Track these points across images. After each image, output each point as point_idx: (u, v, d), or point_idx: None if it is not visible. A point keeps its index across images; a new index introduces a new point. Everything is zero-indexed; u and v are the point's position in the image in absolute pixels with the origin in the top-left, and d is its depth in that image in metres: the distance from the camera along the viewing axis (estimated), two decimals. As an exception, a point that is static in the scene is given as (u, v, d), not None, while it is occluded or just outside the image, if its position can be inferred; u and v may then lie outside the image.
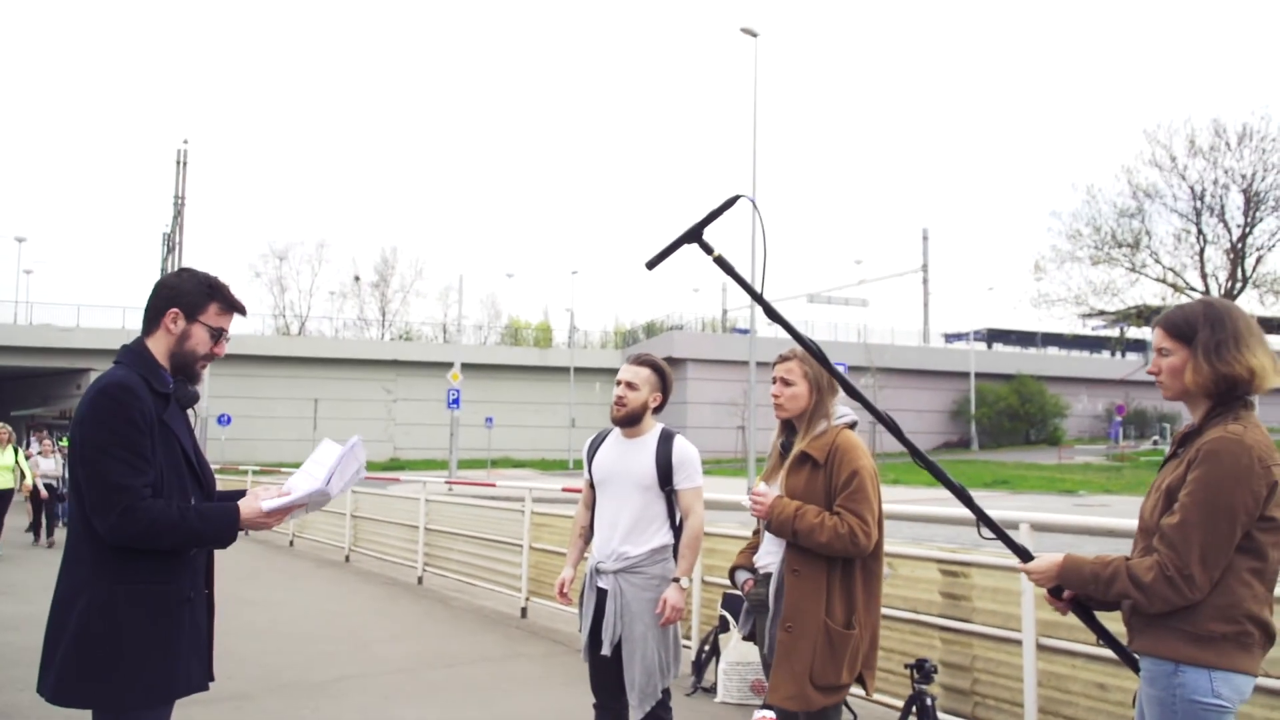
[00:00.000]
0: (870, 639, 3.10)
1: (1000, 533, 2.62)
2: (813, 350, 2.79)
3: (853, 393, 2.82)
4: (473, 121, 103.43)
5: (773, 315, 2.68)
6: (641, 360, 3.79)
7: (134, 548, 2.34)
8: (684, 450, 3.70)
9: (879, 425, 2.72)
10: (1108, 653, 3.87)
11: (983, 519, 2.60)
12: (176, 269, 2.66)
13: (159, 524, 2.32)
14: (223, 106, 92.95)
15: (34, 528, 14.14)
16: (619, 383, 3.75)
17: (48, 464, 14.06)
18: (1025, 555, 2.55)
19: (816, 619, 3.00)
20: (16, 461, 12.68)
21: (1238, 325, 2.34)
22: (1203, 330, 2.36)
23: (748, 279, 2.72)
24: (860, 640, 3.04)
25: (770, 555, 3.28)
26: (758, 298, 2.67)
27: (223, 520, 2.47)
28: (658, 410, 3.80)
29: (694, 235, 2.56)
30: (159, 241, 47.39)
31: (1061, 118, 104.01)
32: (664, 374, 3.78)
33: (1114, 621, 2.52)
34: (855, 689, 3.20)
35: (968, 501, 2.56)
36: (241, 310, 2.70)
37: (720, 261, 2.59)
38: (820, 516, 3.00)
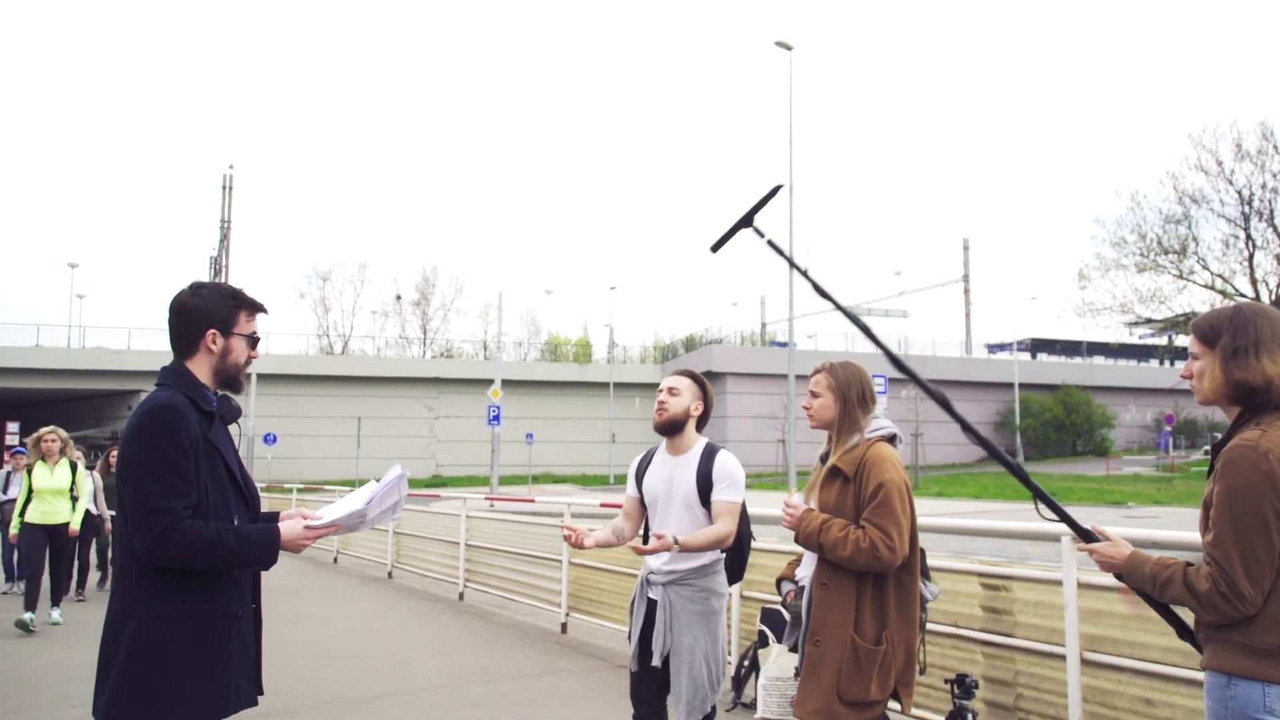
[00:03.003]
0: (905, 655, 3.04)
1: (1060, 512, 2.61)
2: (862, 328, 2.84)
3: (898, 363, 2.84)
4: (511, 141, 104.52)
5: (821, 293, 2.81)
6: (682, 371, 3.86)
7: (173, 568, 2.38)
8: (725, 464, 3.68)
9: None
10: (1155, 667, 3.83)
11: (1041, 498, 2.60)
12: (190, 287, 2.68)
13: (196, 545, 2.35)
14: (267, 132, 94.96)
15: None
16: (661, 390, 3.80)
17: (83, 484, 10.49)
18: (1089, 536, 2.51)
19: (843, 634, 2.97)
20: (74, 482, 9.16)
21: (1261, 331, 2.27)
22: (1225, 335, 2.31)
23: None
24: (892, 656, 2.99)
25: (809, 568, 3.27)
26: (807, 277, 2.81)
27: (262, 541, 2.49)
28: (701, 422, 3.81)
29: (747, 222, 2.82)
30: (206, 264, 48.50)
31: (1104, 124, 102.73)
32: (704, 385, 3.84)
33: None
34: (893, 704, 3.16)
35: (1024, 478, 2.57)
36: (264, 310, 2.75)
37: (772, 244, 2.81)
38: (845, 530, 2.98)
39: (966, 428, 2.61)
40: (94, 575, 11.51)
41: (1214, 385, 2.32)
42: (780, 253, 2.83)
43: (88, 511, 10.14)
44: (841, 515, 3.05)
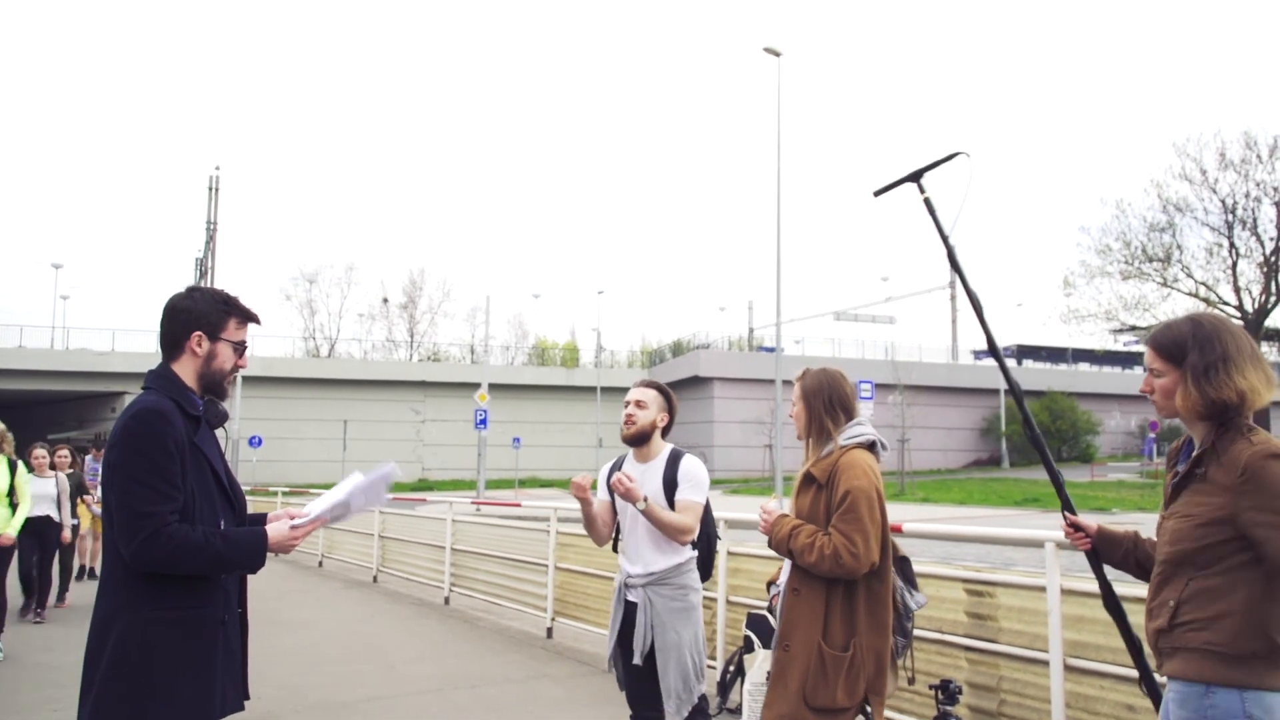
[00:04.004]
0: (875, 663, 3.04)
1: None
2: (972, 298, 2.95)
3: (994, 349, 3.00)
4: (499, 144, 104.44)
5: (954, 264, 2.97)
6: (647, 382, 4.06)
7: (160, 573, 2.38)
8: (689, 466, 3.88)
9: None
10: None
11: (1066, 505, 2.78)
12: (185, 290, 2.71)
13: (183, 549, 2.35)
14: (254, 133, 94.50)
15: (25, 587, 9.26)
16: (628, 403, 3.97)
17: (43, 485, 9.25)
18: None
19: (810, 639, 2.98)
20: (13, 485, 7.74)
21: (1227, 347, 2.32)
22: (1192, 352, 2.34)
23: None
24: (861, 663, 2.99)
25: (788, 573, 3.30)
26: (947, 243, 2.98)
27: (250, 545, 2.49)
28: (665, 431, 4.00)
29: (915, 177, 3.00)
30: (192, 266, 48.28)
31: (1089, 132, 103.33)
32: (669, 395, 4.05)
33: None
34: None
35: (1059, 487, 2.81)
36: (256, 320, 2.76)
37: (927, 203, 2.98)
38: (812, 536, 2.99)
39: (1027, 421, 2.96)
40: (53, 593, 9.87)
41: (1188, 404, 2.34)
42: (933, 215, 2.96)
43: (49, 518, 9.27)
44: (815, 521, 3.07)
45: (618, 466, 4.04)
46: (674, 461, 3.88)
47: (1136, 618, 2.76)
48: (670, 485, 3.82)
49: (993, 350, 2.97)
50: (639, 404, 3.93)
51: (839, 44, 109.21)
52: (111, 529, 2.42)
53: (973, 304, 2.94)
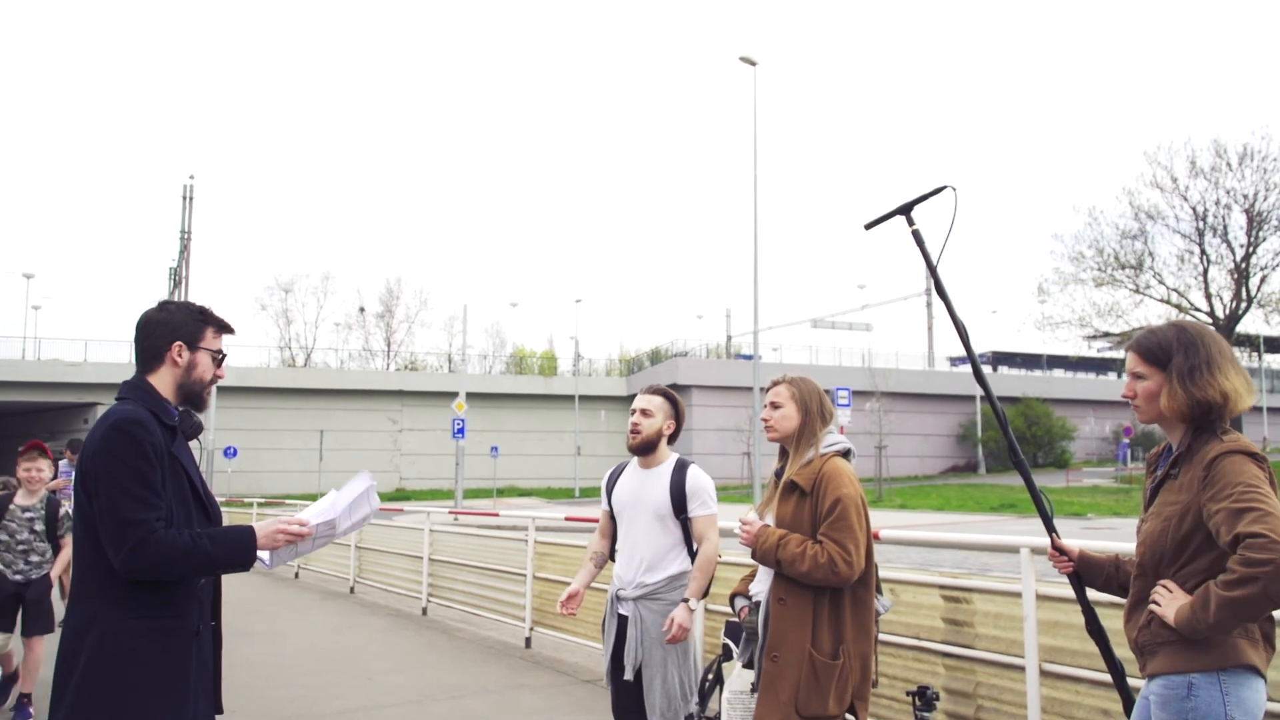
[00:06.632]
0: (861, 669, 3.05)
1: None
2: (959, 327, 2.94)
3: (978, 377, 3.01)
4: (476, 152, 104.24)
5: (941, 293, 2.98)
6: (655, 389, 3.97)
7: (147, 580, 2.37)
8: (697, 479, 3.83)
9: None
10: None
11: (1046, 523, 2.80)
12: (158, 304, 2.75)
13: (172, 554, 2.36)
14: (228, 141, 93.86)
15: None
16: (634, 411, 3.91)
17: None
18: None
19: (801, 648, 2.98)
20: None
21: (1210, 350, 2.38)
22: (1177, 355, 2.40)
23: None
24: (849, 670, 3.01)
25: (763, 583, 3.30)
26: (935, 274, 3.01)
27: (238, 542, 2.50)
28: (672, 438, 3.95)
29: (905, 210, 3.04)
30: (165, 276, 47.86)
31: (1062, 140, 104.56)
32: (676, 402, 3.97)
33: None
34: (849, 717, 3.18)
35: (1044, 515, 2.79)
36: (231, 330, 2.78)
37: (916, 235, 3.02)
38: (802, 545, 3.00)
39: (1012, 446, 2.90)
40: None
41: (1174, 405, 2.39)
42: (922, 248, 3.00)
43: None
44: (799, 530, 3.07)
45: (619, 472, 4.03)
46: (680, 471, 3.84)
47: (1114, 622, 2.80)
48: (678, 496, 3.78)
49: (980, 380, 3.00)
50: (644, 412, 3.87)
51: (816, 52, 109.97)
52: (86, 538, 2.41)
53: (959, 333, 2.95)
